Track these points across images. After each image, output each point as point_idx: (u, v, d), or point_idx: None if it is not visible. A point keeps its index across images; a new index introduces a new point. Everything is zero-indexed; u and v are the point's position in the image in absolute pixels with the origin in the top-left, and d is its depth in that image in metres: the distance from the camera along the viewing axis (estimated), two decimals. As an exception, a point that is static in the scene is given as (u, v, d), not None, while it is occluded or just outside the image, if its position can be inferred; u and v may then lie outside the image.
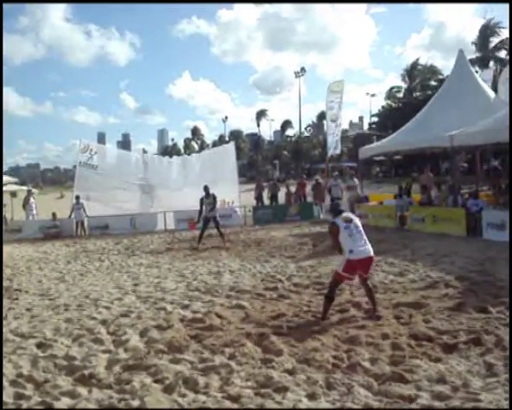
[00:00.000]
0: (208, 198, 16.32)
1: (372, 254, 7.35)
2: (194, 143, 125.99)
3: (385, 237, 15.92)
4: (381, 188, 38.13)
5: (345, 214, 7.57)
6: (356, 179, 24.18)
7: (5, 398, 5.04)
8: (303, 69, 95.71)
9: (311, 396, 4.79)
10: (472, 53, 59.96)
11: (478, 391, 4.61)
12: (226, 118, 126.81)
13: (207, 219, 16.45)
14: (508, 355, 5.38)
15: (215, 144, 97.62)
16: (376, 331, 6.56)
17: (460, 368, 5.21)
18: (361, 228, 7.41)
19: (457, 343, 5.90)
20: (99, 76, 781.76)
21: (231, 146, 27.54)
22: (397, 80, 77.22)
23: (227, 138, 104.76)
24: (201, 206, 16.30)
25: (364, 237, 7.36)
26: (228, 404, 4.70)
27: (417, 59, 75.05)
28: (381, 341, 6.20)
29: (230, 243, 16.66)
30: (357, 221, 7.51)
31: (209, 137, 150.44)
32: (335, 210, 7.75)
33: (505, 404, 4.29)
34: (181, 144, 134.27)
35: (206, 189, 16.47)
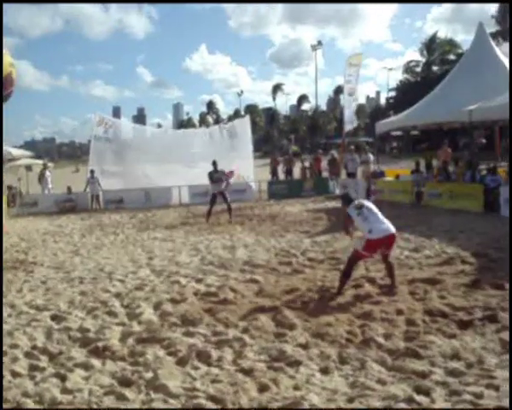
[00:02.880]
0: (217, 173, 16.05)
1: (394, 230, 7.28)
2: (209, 118, 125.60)
3: (401, 212, 15.81)
4: (398, 163, 37.83)
5: (356, 202, 7.61)
6: (370, 154, 23.99)
7: (20, 369, 5.10)
8: (320, 42, 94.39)
9: (324, 371, 4.79)
10: (493, 26, 59.05)
11: (492, 368, 4.58)
12: (242, 92, 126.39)
13: (215, 194, 16.21)
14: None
15: (230, 119, 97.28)
16: (391, 307, 6.53)
17: (475, 345, 5.17)
18: (375, 209, 7.45)
19: (473, 320, 5.85)
20: (116, 49, 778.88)
21: (246, 120, 27.34)
22: (416, 54, 76.20)
23: (242, 113, 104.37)
24: (211, 180, 16.11)
25: (381, 215, 7.36)
26: (240, 377, 4.71)
27: (436, 32, 74.03)
28: (395, 316, 6.17)
29: (236, 218, 16.33)
30: (369, 204, 7.64)
31: (225, 111, 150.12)
32: (347, 200, 7.87)
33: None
34: (196, 119, 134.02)
35: (214, 164, 16.15)
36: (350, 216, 7.51)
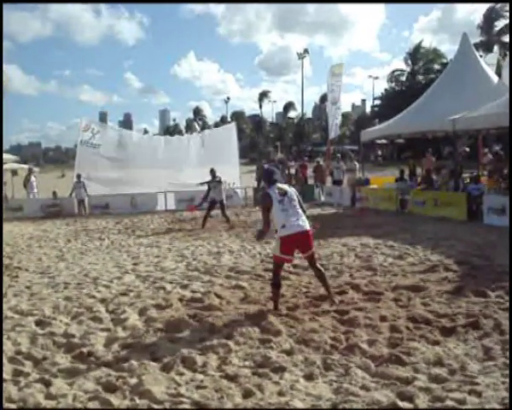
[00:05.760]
0: (214, 181, 16.25)
1: (308, 228, 6.80)
2: (195, 124, 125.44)
3: (385, 220, 15.93)
4: (383, 171, 38.06)
5: (279, 185, 6.86)
6: (356, 162, 24.16)
7: (4, 375, 5.05)
8: (306, 51, 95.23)
9: (309, 377, 4.80)
10: (478, 37, 59.67)
11: (475, 374, 4.61)
12: (228, 99, 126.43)
13: (214, 201, 16.39)
14: (506, 339, 5.38)
15: (217, 125, 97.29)
16: (375, 314, 6.56)
17: (458, 351, 5.21)
18: (296, 202, 6.81)
19: (456, 327, 5.90)
20: (105, 55, 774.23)
21: (232, 126, 27.37)
22: (402, 63, 76.65)
23: (229, 119, 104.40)
24: (208, 190, 16.26)
25: (300, 211, 6.81)
26: (225, 383, 4.71)
27: (420, 42, 74.49)
28: (379, 323, 6.20)
29: (233, 228, 16.11)
30: (293, 193, 6.88)
31: (212, 117, 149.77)
32: (269, 178, 6.96)
33: (502, 388, 4.29)
34: (183, 125, 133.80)
35: (212, 172, 16.38)
36: (270, 198, 6.71)
